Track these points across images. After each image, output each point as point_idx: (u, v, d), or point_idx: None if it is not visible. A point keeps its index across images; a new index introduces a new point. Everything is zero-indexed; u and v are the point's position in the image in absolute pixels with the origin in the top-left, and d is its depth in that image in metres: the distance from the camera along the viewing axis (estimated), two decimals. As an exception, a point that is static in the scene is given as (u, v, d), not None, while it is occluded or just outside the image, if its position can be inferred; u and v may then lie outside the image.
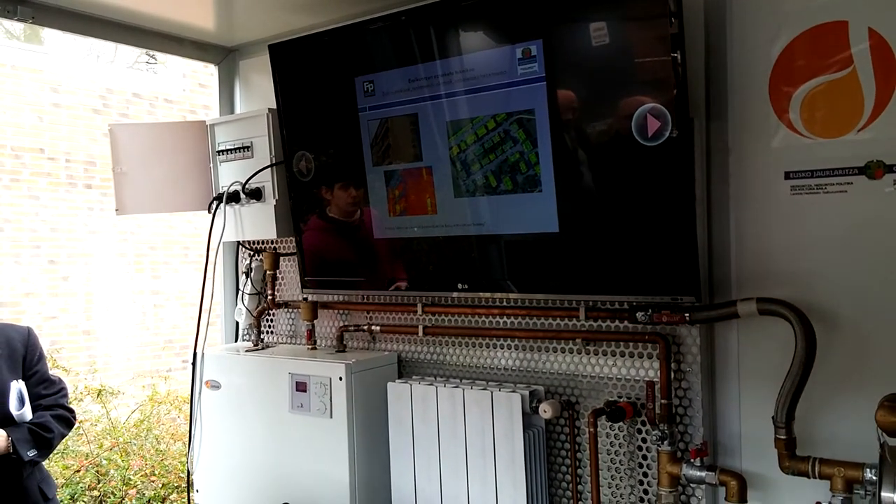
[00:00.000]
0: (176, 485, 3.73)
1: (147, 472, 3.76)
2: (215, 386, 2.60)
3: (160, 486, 3.72)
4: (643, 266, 1.82)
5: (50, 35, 6.84)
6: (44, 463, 2.82)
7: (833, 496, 1.62)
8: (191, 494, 2.64)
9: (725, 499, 1.75)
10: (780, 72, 1.75)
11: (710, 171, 1.84)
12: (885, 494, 1.31)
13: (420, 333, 2.38)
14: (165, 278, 6.89)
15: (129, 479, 3.68)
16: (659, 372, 1.88)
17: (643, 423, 1.95)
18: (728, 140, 1.82)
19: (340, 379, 2.28)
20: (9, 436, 2.52)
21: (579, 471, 2.05)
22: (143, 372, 6.19)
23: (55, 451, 3.03)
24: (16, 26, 6.71)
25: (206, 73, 7.60)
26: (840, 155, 1.68)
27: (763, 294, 1.75)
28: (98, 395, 4.16)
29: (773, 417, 1.70)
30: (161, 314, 6.80)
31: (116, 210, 2.94)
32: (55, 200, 6.55)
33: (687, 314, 1.81)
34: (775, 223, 1.77)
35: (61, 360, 4.83)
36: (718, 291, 1.86)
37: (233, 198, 2.70)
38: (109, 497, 3.65)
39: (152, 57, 7.70)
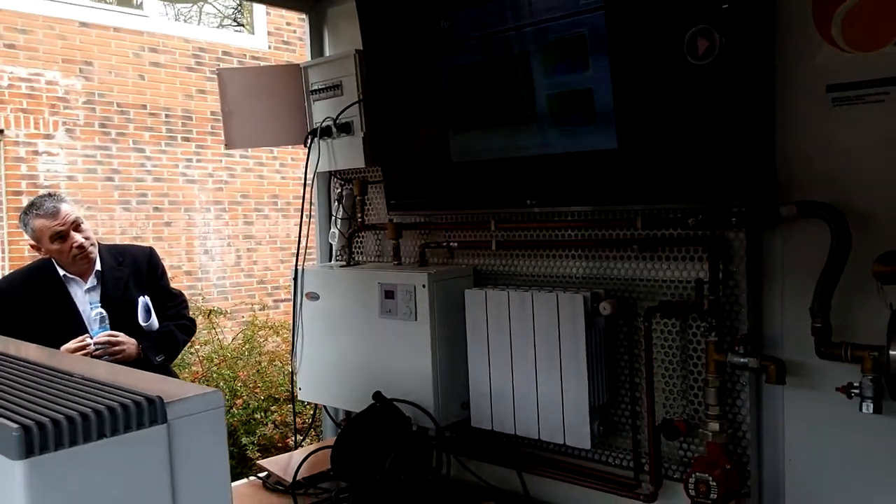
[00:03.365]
0: (276, 397, 4.17)
1: (251, 385, 4.20)
2: (314, 297, 2.95)
3: (262, 398, 4.17)
4: (695, 175, 2.01)
5: (147, -2, 7.31)
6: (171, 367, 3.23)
7: (864, 377, 1.80)
8: (295, 391, 3.02)
9: (766, 381, 1.96)
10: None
11: (755, 87, 2.00)
12: (892, 353, 1.50)
13: (493, 247, 2.65)
14: (257, 224, 7.40)
15: (237, 390, 4.14)
16: (708, 273, 2.08)
17: (693, 320, 2.17)
18: (775, 58, 1.98)
19: (424, 286, 2.57)
20: (139, 344, 2.94)
21: (636, 363, 2.29)
22: (241, 310, 6.74)
23: (175, 362, 3.46)
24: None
25: (289, 31, 7.97)
26: (878, 67, 1.82)
27: (805, 198, 1.92)
28: (208, 314, 4.64)
29: (810, 308, 1.89)
30: (254, 257, 7.33)
31: (225, 145, 3.32)
32: (157, 152, 7.11)
33: (734, 218, 2.01)
34: (818, 133, 1.93)
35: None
36: (765, 197, 2.03)
37: (325, 132, 3.01)
38: (220, 405, 4.09)
39: (236, 20, 8.11)
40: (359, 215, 3.09)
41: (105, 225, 6.58)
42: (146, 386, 1.08)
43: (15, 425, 0.90)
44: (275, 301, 7.28)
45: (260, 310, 6.13)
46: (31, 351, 1.44)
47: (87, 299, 2.93)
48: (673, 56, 1.96)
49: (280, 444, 4.11)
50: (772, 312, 2.05)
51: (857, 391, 1.80)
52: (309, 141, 3.07)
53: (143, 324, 2.97)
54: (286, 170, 7.63)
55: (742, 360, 1.98)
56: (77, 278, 2.93)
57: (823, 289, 1.85)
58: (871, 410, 1.76)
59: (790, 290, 2.00)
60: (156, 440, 1.01)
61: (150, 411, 1.01)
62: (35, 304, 2.84)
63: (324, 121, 3.00)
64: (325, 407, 3.19)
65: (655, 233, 2.23)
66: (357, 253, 3.19)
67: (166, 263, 3.27)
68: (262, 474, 2.78)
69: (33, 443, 0.90)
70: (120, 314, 2.91)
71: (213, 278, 7.07)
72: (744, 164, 1.94)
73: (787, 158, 1.98)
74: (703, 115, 1.97)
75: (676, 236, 2.18)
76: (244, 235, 7.30)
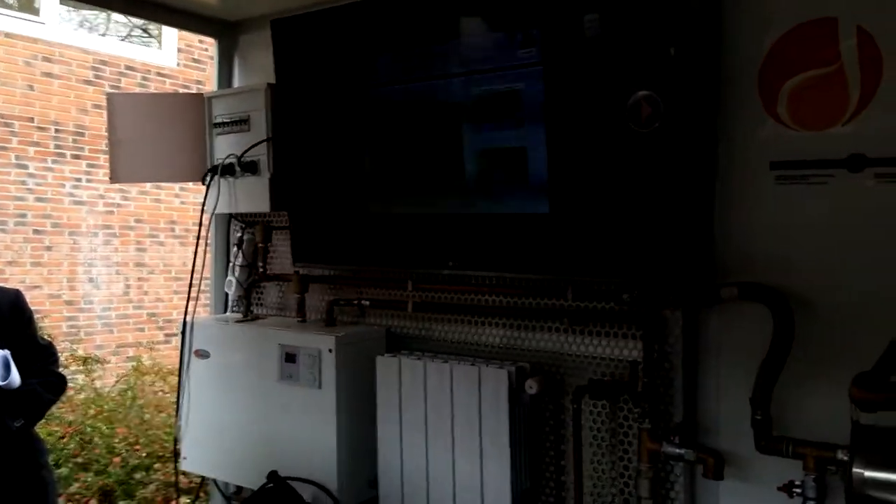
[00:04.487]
0: (160, 454, 3.76)
1: (131, 440, 3.78)
2: (204, 355, 2.64)
3: (144, 455, 3.75)
4: (631, 249, 1.88)
5: (45, 4, 6.77)
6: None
7: (806, 475, 1.69)
8: (178, 461, 2.67)
9: (703, 475, 1.82)
10: (769, 65, 1.81)
11: (697, 160, 1.89)
12: (855, 470, 1.38)
13: (409, 309, 2.43)
14: (151, 251, 6.87)
15: (114, 448, 3.71)
16: (642, 352, 1.94)
17: (625, 402, 2.01)
18: (718, 131, 1.88)
19: (330, 351, 2.32)
20: (-7, 405, 2.52)
21: (563, 446, 2.11)
22: (127, 344, 6.19)
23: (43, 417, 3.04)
24: (8, -8, 6.61)
25: (201, 49, 7.55)
26: (824, 147, 1.74)
27: (745, 279, 1.81)
28: (84, 362, 4.17)
29: (749, 399, 1.76)
30: (145, 287, 6.78)
31: (110, 178, 2.96)
32: (42, 170, 6.50)
33: (670, 296, 1.88)
34: (759, 211, 1.83)
35: (44, 330, 4.83)
36: (702, 276, 1.91)
37: (227, 170, 2.72)
38: (94, 464, 3.67)
39: (146, 31, 7.64)
40: (260, 264, 2.79)
41: (-25, 247, 5.92)
42: None
43: None
44: (166, 335, 6.74)
45: (149, 347, 5.62)
46: None
47: (-67, 347, 2.50)
48: (614, 120, 1.82)
49: (165, 511, 3.70)
50: (707, 398, 1.92)
51: (799, 491, 1.69)
52: (208, 178, 2.77)
53: (0, 382, 2.55)
54: (186, 194, 7.14)
55: (677, 450, 1.84)
56: (-78, 323, 2.49)
57: (764, 379, 1.73)
58: (814, 513, 1.65)
59: (728, 375, 1.88)
60: None
61: None
62: None
63: (227, 157, 2.71)
64: (214, 480, 2.85)
65: (587, 305, 2.08)
66: (256, 304, 2.89)
67: (44, 292, 2.85)
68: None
69: None
70: (-27, 368, 2.49)
71: (98, 309, 6.46)
72: (683, 239, 1.82)
73: (728, 236, 1.88)
74: (642, 185, 1.84)
75: (609, 310, 2.03)
76: (135, 263, 6.74)
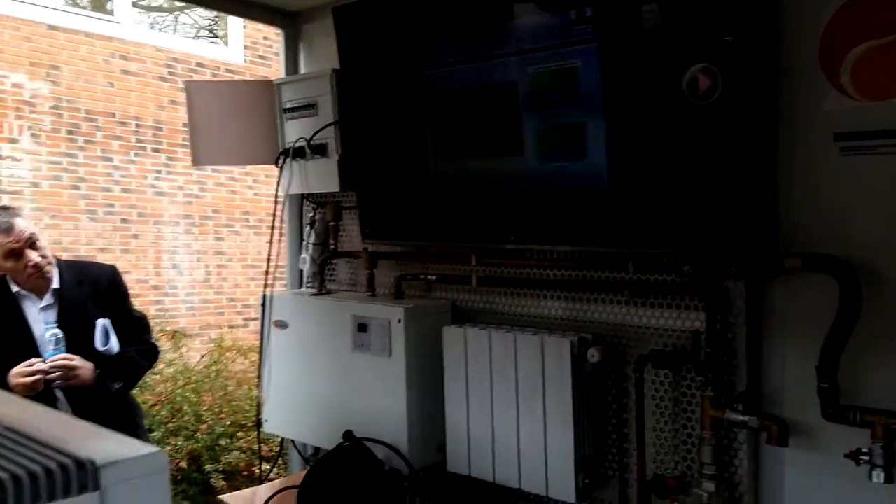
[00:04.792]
0: (242, 423, 3.98)
1: (216, 410, 4.01)
2: (283, 325, 2.78)
3: (228, 423, 3.97)
4: (692, 220, 1.89)
5: (118, 4, 7.10)
6: (132, 393, 3.01)
7: (873, 443, 1.67)
8: (260, 425, 2.83)
9: (766, 442, 1.83)
10: (831, 35, 1.77)
11: (759, 131, 1.88)
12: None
13: (474, 283, 2.50)
14: (228, 240, 7.17)
15: (201, 416, 3.94)
16: (705, 323, 1.95)
17: (687, 371, 2.03)
18: (780, 102, 1.86)
19: (399, 321, 2.41)
20: (96, 368, 2.73)
21: (625, 414, 2.15)
22: (209, 326, 6.50)
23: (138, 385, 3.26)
24: (87, -7, 6.97)
25: (265, 46, 7.79)
26: (890, 118, 1.70)
27: (808, 250, 1.80)
28: (172, 336, 4.43)
29: (816, 367, 1.76)
30: (224, 274, 7.10)
31: (192, 161, 3.14)
32: (125, 162, 6.87)
33: (733, 267, 1.88)
34: (823, 183, 1.81)
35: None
36: (765, 247, 1.91)
37: (298, 153, 2.85)
38: (183, 430, 3.92)
39: (212, 31, 7.93)
40: (331, 241, 2.92)
41: (70, 235, 6.31)
42: (78, 443, 0.90)
43: None
44: (245, 320, 7.05)
45: (229, 328, 5.90)
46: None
47: (41, 319, 2.71)
48: (671, 94, 1.83)
49: (245, 473, 3.93)
50: (772, 368, 1.92)
51: (866, 458, 1.67)
52: (281, 161, 2.91)
53: (100, 348, 2.74)
54: (259, 186, 7.41)
55: (741, 417, 1.85)
56: (32, 295, 2.71)
57: (831, 348, 1.73)
58: (881, 480, 1.64)
59: (792, 345, 1.88)
60: (85, 511, 0.83)
61: (80, 476, 0.83)
62: (-17, 321, 2.63)
63: (297, 141, 2.84)
64: (293, 441, 3.01)
65: (648, 278, 2.10)
66: (329, 280, 3.02)
67: (133, 277, 3.07)
68: (221, 511, 2.59)
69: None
70: (77, 336, 2.68)
71: (182, 294, 6.82)
72: (745, 210, 1.82)
73: (792, 207, 1.86)
74: (702, 157, 1.85)
75: (671, 283, 2.05)
76: (214, 251, 7.07)
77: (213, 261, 7.07)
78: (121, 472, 0.87)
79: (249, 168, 7.30)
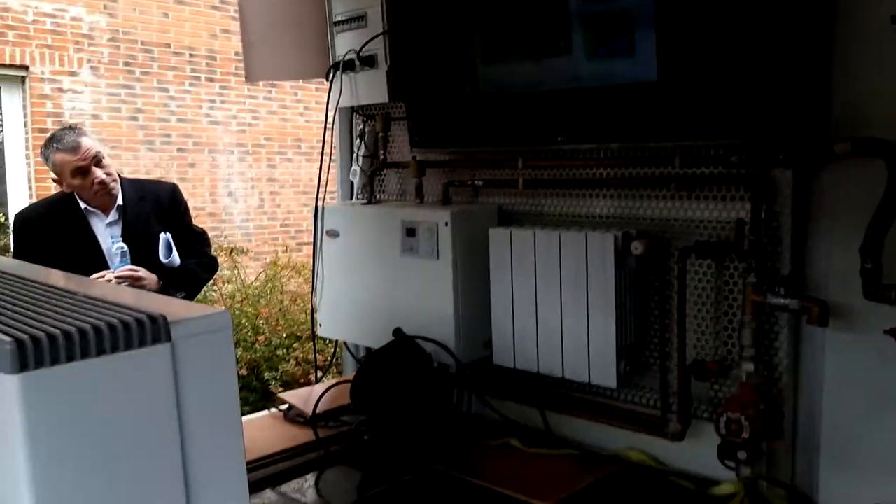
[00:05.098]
0: (298, 335, 4.17)
1: (273, 323, 4.21)
2: (334, 234, 2.89)
3: (285, 336, 4.17)
4: (741, 109, 1.88)
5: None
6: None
7: (915, 321, 1.70)
8: (315, 327, 2.99)
9: (807, 323, 1.86)
10: None
11: (811, 13, 1.84)
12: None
13: (520, 186, 2.54)
14: (280, 167, 7.34)
15: (259, 328, 4.15)
16: (750, 213, 1.97)
17: (730, 261, 2.06)
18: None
19: (446, 224, 2.49)
20: (159, 279, 2.90)
21: (667, 305, 2.19)
22: (264, 251, 6.74)
23: (197, 299, 3.45)
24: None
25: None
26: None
27: (861, 135, 1.78)
28: (230, 253, 4.63)
29: (860, 248, 1.77)
30: (277, 200, 7.29)
31: (246, 77, 3.22)
32: (181, 93, 7.03)
33: (781, 155, 1.88)
34: (879, 68, 1.77)
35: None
36: (816, 134, 1.90)
37: (348, 66, 2.89)
38: (242, 342, 4.14)
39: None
40: (381, 152, 2.99)
41: (129, 165, 6.56)
42: (151, 305, 1.01)
43: (8, 339, 0.84)
44: (298, 244, 7.27)
45: (283, 251, 6.12)
46: (40, 273, 1.38)
47: (108, 233, 2.89)
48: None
49: (302, 380, 4.14)
50: (816, 254, 1.93)
51: (906, 334, 1.70)
52: (331, 74, 2.97)
53: (163, 260, 2.92)
54: (310, 113, 7.52)
55: (783, 301, 1.88)
56: (98, 212, 2.88)
57: (876, 228, 1.73)
58: (920, 356, 1.66)
59: (838, 231, 1.88)
60: (159, 359, 0.94)
61: (153, 330, 0.94)
62: (55, 235, 2.81)
63: (346, 53, 2.88)
64: (345, 344, 3.16)
65: (694, 171, 2.11)
66: (378, 191, 3.11)
67: (190, 204, 3.22)
68: (283, 407, 2.77)
69: (27, 357, 0.84)
70: (141, 249, 2.87)
71: (237, 220, 7.05)
72: (795, 97, 1.80)
73: (845, 92, 1.84)
74: (751, 42, 1.83)
75: (717, 175, 2.06)
76: (267, 178, 7.25)
77: (266, 188, 7.27)
78: (189, 327, 0.98)
79: (301, 95, 7.39)
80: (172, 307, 1.03)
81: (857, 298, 1.79)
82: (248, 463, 2.23)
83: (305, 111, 7.59)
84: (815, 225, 1.93)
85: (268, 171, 7.27)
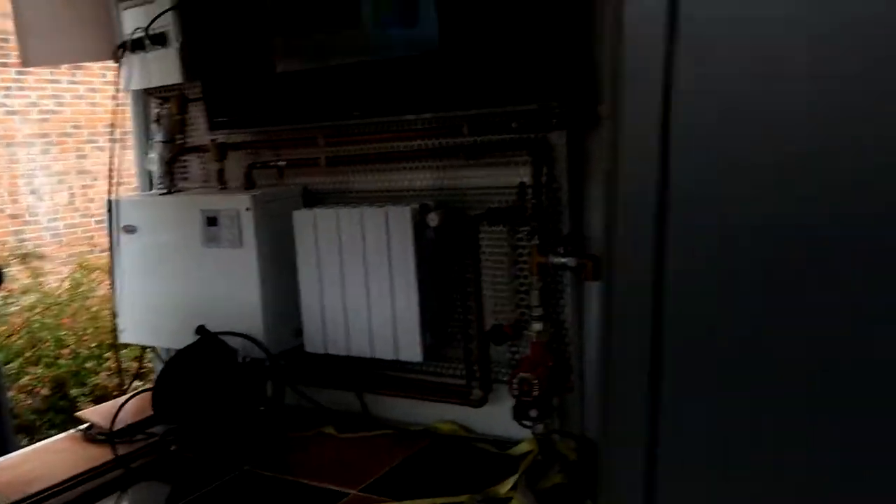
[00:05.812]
0: (112, 343, 3.87)
1: (80, 333, 3.87)
2: (131, 230, 2.71)
3: (94, 345, 3.85)
4: (513, 75, 1.96)
5: None
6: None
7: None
8: (117, 334, 2.78)
9: (583, 278, 1.99)
10: None
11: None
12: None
13: (323, 163, 2.51)
14: (92, 157, 6.75)
15: (62, 340, 3.79)
16: (531, 177, 2.06)
17: (520, 225, 2.15)
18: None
19: (248, 209, 2.40)
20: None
21: (468, 274, 2.25)
22: (78, 253, 6.20)
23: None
24: None
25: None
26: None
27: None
28: (23, 259, 4.21)
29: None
30: (90, 194, 6.72)
31: (21, 63, 2.93)
32: (-33, 81, 6.27)
33: (554, 119, 1.98)
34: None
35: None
36: (586, 97, 2.01)
37: (137, 45, 2.71)
38: (43, 358, 3.75)
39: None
40: (179, 137, 2.83)
41: None
42: None
43: None
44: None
45: (101, 252, 5.65)
46: None
47: None
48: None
49: (116, 393, 3.84)
50: (594, 213, 2.06)
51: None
52: (119, 55, 2.76)
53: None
54: (124, 95, 6.97)
55: (561, 259, 1.99)
56: None
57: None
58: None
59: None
60: None
61: None
62: None
63: (134, 31, 2.69)
64: (154, 349, 2.98)
65: (481, 139, 2.18)
66: (180, 179, 2.94)
67: None
68: (83, 426, 2.55)
69: None
70: None
71: (44, 221, 6.41)
72: (561, 60, 1.91)
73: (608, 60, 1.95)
74: (521, 10, 1.90)
75: (501, 142, 2.14)
76: (77, 171, 6.65)
77: (76, 181, 6.67)
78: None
79: (110, 76, 6.81)
80: None
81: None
82: (42, 492, 2.07)
83: (118, 93, 7.03)
84: (591, 185, 2.05)
85: (77, 162, 6.66)
